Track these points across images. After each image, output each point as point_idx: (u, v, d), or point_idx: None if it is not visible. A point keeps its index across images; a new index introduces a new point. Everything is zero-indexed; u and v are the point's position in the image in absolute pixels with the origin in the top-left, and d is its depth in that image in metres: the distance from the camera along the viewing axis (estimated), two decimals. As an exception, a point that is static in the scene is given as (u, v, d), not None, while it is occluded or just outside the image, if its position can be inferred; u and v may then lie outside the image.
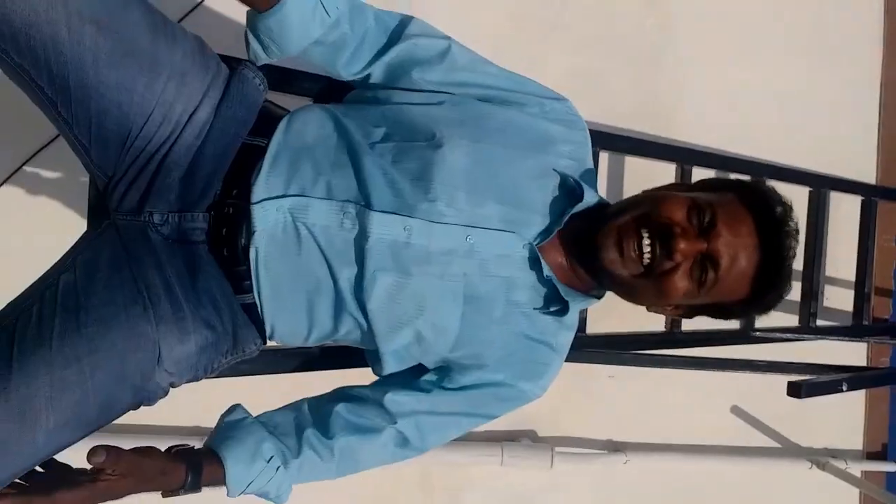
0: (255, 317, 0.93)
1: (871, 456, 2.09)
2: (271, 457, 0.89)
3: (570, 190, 0.95)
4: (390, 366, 0.96)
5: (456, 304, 0.90)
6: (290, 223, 0.88)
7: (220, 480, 0.87)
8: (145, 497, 0.84)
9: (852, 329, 1.87)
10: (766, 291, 0.93)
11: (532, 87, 0.99)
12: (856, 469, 2.01)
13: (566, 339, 0.98)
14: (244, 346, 0.93)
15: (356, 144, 0.91)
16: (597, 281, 0.96)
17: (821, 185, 1.76)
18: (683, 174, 1.56)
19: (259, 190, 0.89)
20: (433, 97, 0.95)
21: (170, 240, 0.89)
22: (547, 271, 0.92)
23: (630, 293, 0.95)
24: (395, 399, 0.95)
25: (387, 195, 0.88)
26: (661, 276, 0.89)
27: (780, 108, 1.95)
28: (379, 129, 0.93)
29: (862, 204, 1.87)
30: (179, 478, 0.84)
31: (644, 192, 1.02)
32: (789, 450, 2.04)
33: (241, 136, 0.92)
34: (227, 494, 0.89)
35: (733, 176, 1.79)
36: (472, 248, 0.89)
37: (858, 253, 1.86)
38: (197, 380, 0.92)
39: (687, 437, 1.94)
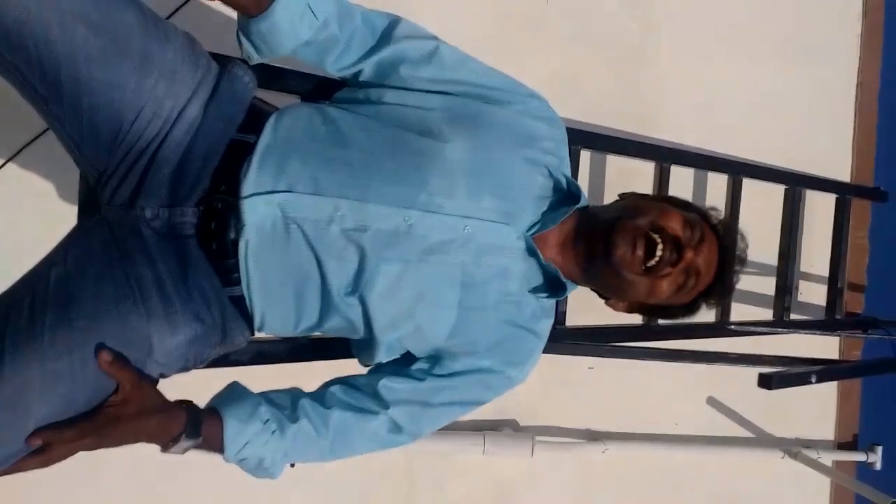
0: (243, 309, 0.95)
1: (842, 446, 2.14)
2: (267, 419, 0.92)
3: (556, 185, 1.00)
4: (381, 356, 0.99)
5: (453, 291, 0.94)
6: (280, 218, 0.90)
7: (217, 437, 0.90)
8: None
9: (825, 323, 1.91)
10: (703, 303, 1.06)
11: (513, 84, 1.03)
12: (827, 459, 2.05)
13: (547, 325, 1.04)
14: (233, 337, 0.94)
15: (349, 139, 0.93)
16: (587, 273, 1.01)
17: (796, 184, 1.80)
18: (662, 172, 1.59)
19: (249, 185, 0.90)
20: (425, 100, 0.98)
21: (160, 234, 0.91)
22: (543, 259, 0.98)
23: (619, 287, 1.00)
24: (389, 386, 0.98)
25: (385, 187, 0.91)
26: (656, 278, 0.97)
27: (758, 107, 1.98)
28: (373, 123, 0.96)
29: (836, 201, 1.92)
30: (180, 421, 0.87)
31: (630, 197, 1.09)
32: (763, 440, 2.09)
33: (229, 132, 0.94)
34: (224, 455, 0.91)
35: (711, 174, 1.84)
36: (469, 238, 0.93)
37: (832, 249, 1.90)
38: (186, 370, 0.94)
39: (664, 426, 1.98)
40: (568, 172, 1.05)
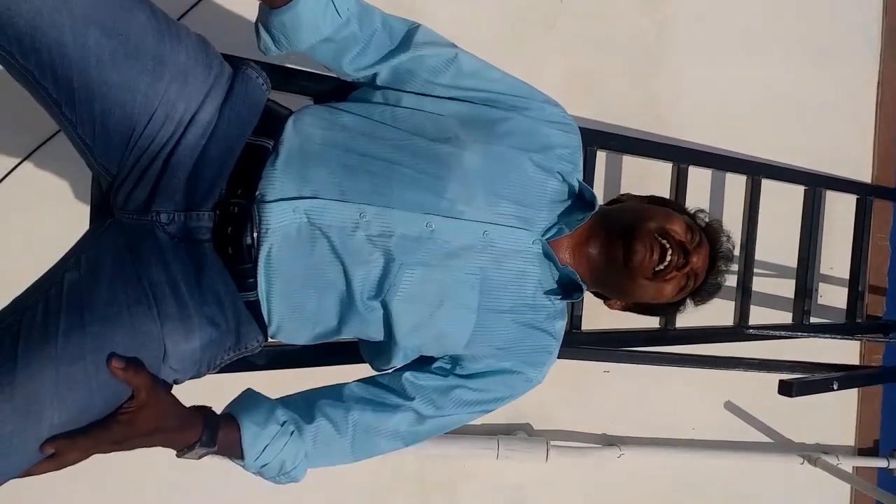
0: (257, 313, 0.95)
1: (862, 452, 2.12)
2: (284, 421, 0.92)
3: (570, 190, 1.02)
4: (398, 360, 1.00)
5: (474, 295, 0.95)
6: (306, 224, 0.90)
7: (235, 444, 0.90)
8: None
9: (846, 327, 1.88)
10: (689, 300, 1.11)
11: (530, 91, 1.04)
12: (847, 465, 2.02)
13: (562, 326, 1.06)
14: (246, 342, 0.94)
15: (368, 147, 0.94)
16: (597, 275, 1.03)
17: (816, 184, 1.77)
18: (680, 173, 1.57)
19: (274, 190, 0.90)
20: (443, 106, 0.99)
21: (175, 238, 0.90)
22: (560, 264, 1.00)
23: (629, 290, 1.04)
24: (413, 380, 0.99)
25: (407, 194, 0.91)
26: (663, 281, 1.01)
27: (777, 106, 1.96)
28: (392, 130, 0.96)
29: (857, 202, 1.89)
30: (197, 428, 0.87)
31: (630, 199, 1.13)
32: (781, 445, 2.06)
33: (244, 135, 0.94)
34: (245, 462, 0.91)
35: (729, 175, 1.81)
36: (488, 243, 0.95)
37: (853, 251, 1.87)
38: (199, 376, 0.93)
39: (680, 431, 1.96)
40: (581, 178, 1.06)
